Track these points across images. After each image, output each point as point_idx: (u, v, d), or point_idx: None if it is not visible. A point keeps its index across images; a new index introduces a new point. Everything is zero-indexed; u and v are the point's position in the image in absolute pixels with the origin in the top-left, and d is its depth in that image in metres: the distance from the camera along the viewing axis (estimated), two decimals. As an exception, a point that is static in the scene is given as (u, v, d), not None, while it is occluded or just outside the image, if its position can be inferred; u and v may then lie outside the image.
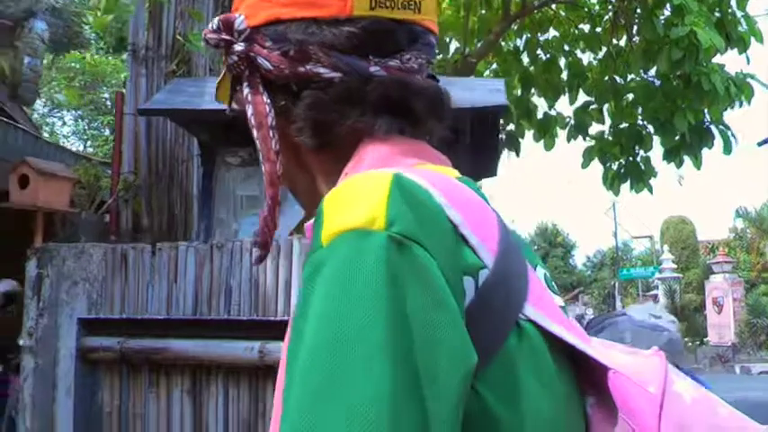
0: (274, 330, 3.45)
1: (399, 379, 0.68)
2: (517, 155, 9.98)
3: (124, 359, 3.76)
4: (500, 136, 4.53)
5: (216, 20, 1.03)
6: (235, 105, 1.08)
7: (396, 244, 0.74)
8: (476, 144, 4.41)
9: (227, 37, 1.02)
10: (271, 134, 0.99)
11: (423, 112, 1.00)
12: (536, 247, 56.26)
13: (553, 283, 1.01)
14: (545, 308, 0.87)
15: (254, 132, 1.00)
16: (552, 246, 55.10)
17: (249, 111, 1.00)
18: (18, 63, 4.56)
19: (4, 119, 7.64)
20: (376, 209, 0.76)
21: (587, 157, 9.51)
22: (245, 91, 1.01)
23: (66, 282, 3.82)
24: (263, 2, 1.00)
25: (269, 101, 1.00)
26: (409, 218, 0.77)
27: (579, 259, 66.10)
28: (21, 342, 3.75)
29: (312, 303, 0.74)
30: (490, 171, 5.76)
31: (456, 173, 0.99)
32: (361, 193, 0.80)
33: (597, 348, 0.92)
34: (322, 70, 0.97)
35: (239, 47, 1.00)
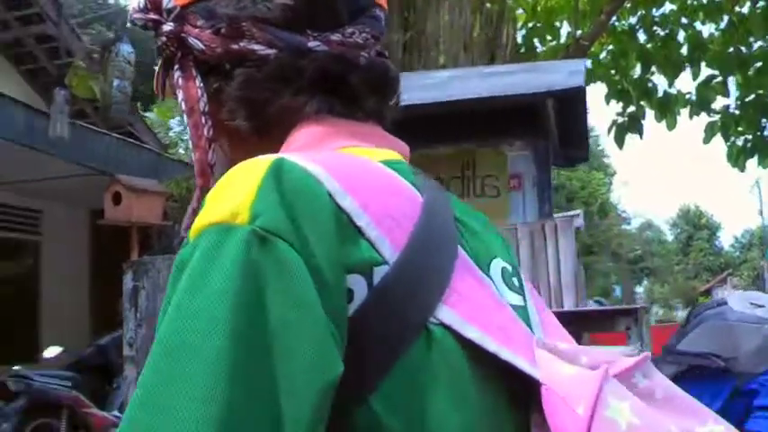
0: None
1: (241, 388, 0.62)
2: (641, 136, 9.60)
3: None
4: (587, 118, 4.31)
5: None
6: (169, 92, 0.99)
7: (258, 239, 0.66)
8: (563, 129, 4.25)
9: (156, 17, 0.95)
10: (203, 120, 0.92)
11: (363, 89, 0.91)
12: (680, 230, 54.14)
13: (514, 279, 0.89)
14: (469, 309, 0.76)
15: (185, 118, 0.93)
16: (697, 228, 52.86)
17: (180, 96, 0.93)
18: (108, 86, 4.73)
19: (131, 140, 8.02)
20: (243, 201, 0.68)
21: (709, 132, 9.01)
22: (176, 74, 0.93)
23: (162, 293, 3.90)
24: None
25: (201, 84, 0.92)
26: (277, 210, 0.68)
27: (726, 240, 63.02)
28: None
29: (169, 305, 0.68)
30: (581, 156, 5.52)
31: (394, 156, 0.90)
32: (234, 184, 0.71)
33: (543, 356, 0.80)
34: (256, 47, 0.89)
35: (168, 27, 0.93)
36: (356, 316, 0.70)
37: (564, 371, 0.78)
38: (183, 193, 4.20)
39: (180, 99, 0.93)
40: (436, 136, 4.26)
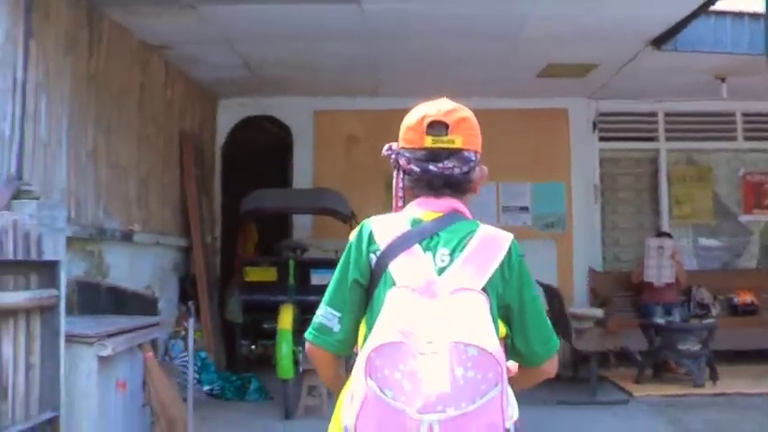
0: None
1: (339, 276, 2.31)
2: None
3: None
4: None
5: (387, 145, 2.38)
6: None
7: (352, 243, 2.29)
8: None
9: (390, 153, 2.38)
10: (400, 192, 2.39)
11: (440, 185, 2.30)
12: None
13: (445, 257, 2.16)
14: (398, 265, 2.14)
15: (393, 188, 2.39)
16: None
17: (394, 181, 2.38)
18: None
19: None
20: (354, 234, 2.32)
21: None
22: (395, 173, 2.38)
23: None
24: (401, 140, 2.33)
25: (401, 176, 2.37)
26: (357, 236, 2.29)
27: None
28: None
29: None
30: None
31: (419, 213, 2.29)
32: (355, 230, 2.33)
33: (420, 279, 2.08)
34: (414, 167, 2.31)
35: (394, 156, 2.36)
36: (373, 267, 2.24)
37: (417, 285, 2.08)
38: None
39: (394, 182, 2.40)
40: None
